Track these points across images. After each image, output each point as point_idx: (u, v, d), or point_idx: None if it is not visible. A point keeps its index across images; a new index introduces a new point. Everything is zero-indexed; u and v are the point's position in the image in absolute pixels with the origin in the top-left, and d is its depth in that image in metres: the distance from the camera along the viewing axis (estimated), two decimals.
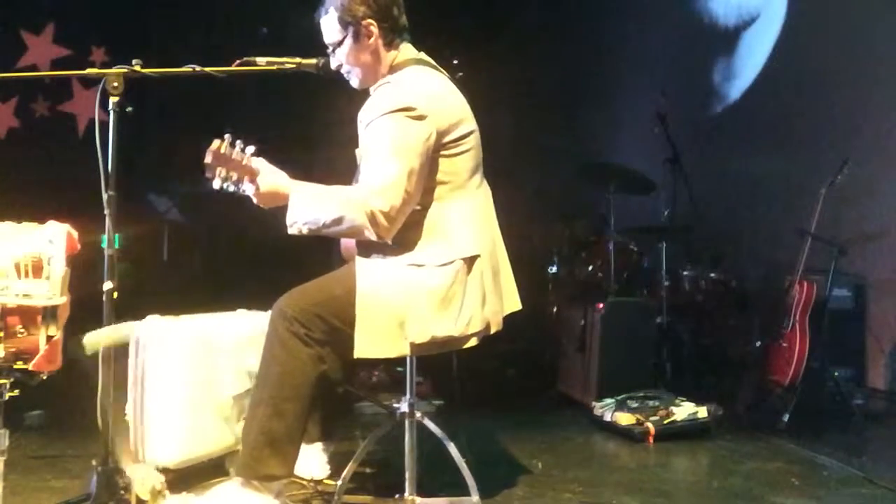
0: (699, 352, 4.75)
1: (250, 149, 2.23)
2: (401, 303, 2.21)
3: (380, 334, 2.20)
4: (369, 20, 2.30)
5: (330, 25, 2.34)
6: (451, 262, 2.24)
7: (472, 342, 2.28)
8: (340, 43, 2.33)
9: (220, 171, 2.18)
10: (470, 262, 2.27)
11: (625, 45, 6.85)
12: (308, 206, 2.21)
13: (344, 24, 2.31)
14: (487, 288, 2.30)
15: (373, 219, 2.15)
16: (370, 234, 2.19)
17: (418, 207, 2.25)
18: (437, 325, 2.21)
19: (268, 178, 2.24)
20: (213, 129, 2.22)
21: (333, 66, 2.38)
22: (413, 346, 2.21)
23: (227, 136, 2.19)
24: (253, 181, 2.23)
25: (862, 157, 4.14)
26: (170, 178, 6.06)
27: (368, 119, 2.25)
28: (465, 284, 2.25)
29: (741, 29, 5.80)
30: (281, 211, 2.26)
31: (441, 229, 2.27)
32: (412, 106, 2.20)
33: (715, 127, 5.93)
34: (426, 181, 2.25)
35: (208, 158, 2.16)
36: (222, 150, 2.17)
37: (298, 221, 2.21)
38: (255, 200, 2.28)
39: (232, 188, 2.23)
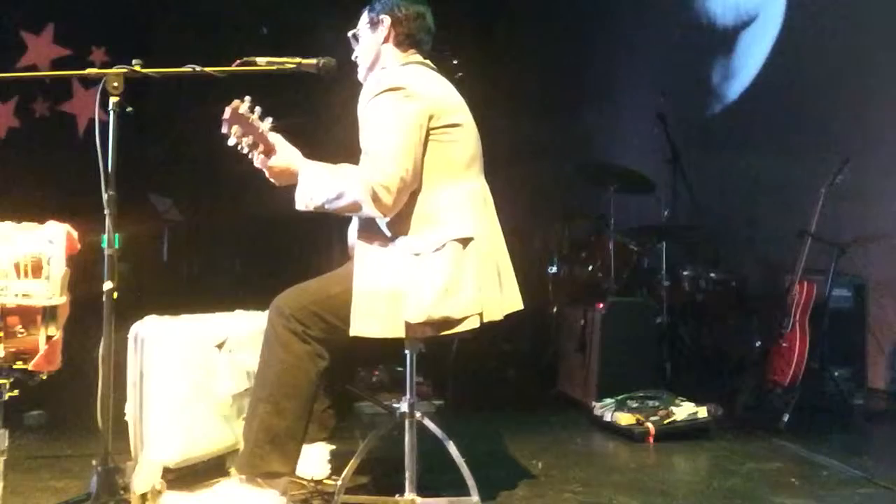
0: (699, 352, 4.75)
1: (269, 120, 2.28)
2: (398, 285, 2.22)
3: (376, 313, 2.21)
4: (386, 15, 2.43)
5: (362, 16, 2.51)
6: (444, 244, 2.25)
7: (470, 325, 2.25)
8: (360, 30, 2.49)
9: (236, 130, 2.25)
10: (464, 243, 2.27)
11: (624, 44, 6.85)
12: (313, 182, 2.28)
13: (369, 13, 2.48)
14: (483, 272, 2.30)
15: (374, 194, 2.18)
16: (370, 210, 2.21)
17: (412, 194, 2.27)
18: (433, 305, 2.20)
19: (283, 155, 2.32)
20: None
21: (353, 56, 2.52)
22: (409, 325, 2.21)
23: (247, 98, 2.25)
24: (268, 154, 2.30)
25: (862, 158, 4.14)
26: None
27: (364, 102, 2.31)
28: (461, 266, 2.25)
29: (740, 29, 5.80)
30: (287, 200, 2.31)
31: (433, 215, 2.28)
32: (402, 86, 2.26)
33: (715, 127, 5.93)
34: (421, 163, 2.28)
35: (226, 114, 2.23)
36: (240, 111, 2.23)
37: (305, 198, 2.29)
38: (266, 174, 2.35)
39: (245, 150, 2.30)
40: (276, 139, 2.32)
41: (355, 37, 2.51)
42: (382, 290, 2.22)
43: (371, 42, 2.47)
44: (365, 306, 2.21)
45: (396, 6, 2.44)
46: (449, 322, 2.24)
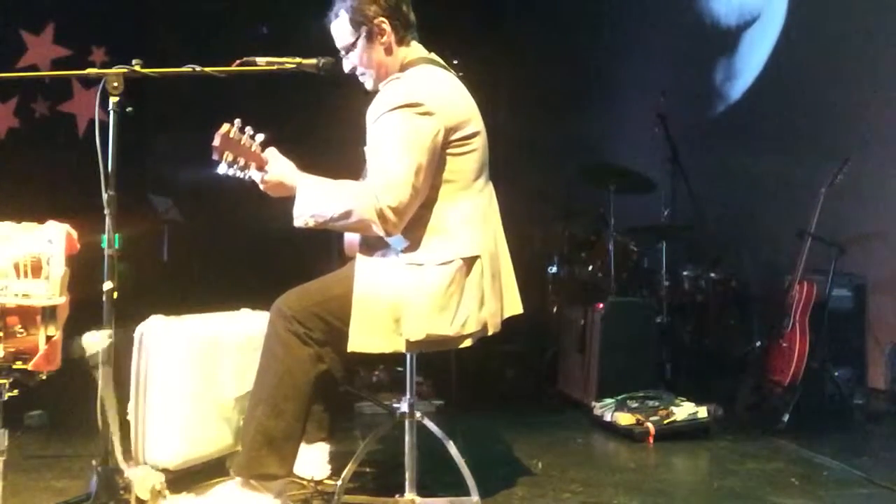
0: (699, 352, 4.75)
1: (259, 136, 2.26)
2: (398, 299, 2.21)
3: (375, 329, 2.20)
4: (381, 18, 2.30)
5: (341, 29, 2.34)
6: (451, 261, 2.23)
7: (468, 342, 2.27)
8: (354, 45, 2.33)
9: (227, 156, 2.20)
10: (470, 262, 2.26)
11: (625, 45, 6.85)
12: (316, 198, 2.23)
13: (356, 25, 2.31)
14: (486, 289, 2.30)
15: (381, 214, 2.15)
16: (378, 230, 2.19)
17: (422, 206, 2.25)
18: (432, 323, 2.20)
19: (276, 168, 2.27)
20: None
21: (347, 68, 2.38)
22: (408, 343, 2.21)
23: (237, 120, 2.21)
24: (261, 169, 2.26)
25: (862, 157, 4.14)
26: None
27: (376, 115, 2.23)
28: (464, 285, 2.24)
29: (742, 29, 5.79)
30: (288, 203, 2.27)
31: (443, 228, 2.26)
32: (420, 102, 2.19)
33: (715, 127, 5.93)
34: (432, 179, 2.25)
35: (216, 141, 2.18)
36: (231, 135, 2.19)
37: (305, 214, 2.23)
38: (261, 188, 2.30)
39: (238, 174, 2.25)
40: (270, 153, 2.28)
41: (345, 49, 2.34)
42: (382, 305, 2.20)
43: (372, 52, 2.32)
44: (364, 322, 2.20)
45: (377, 0, 2.29)
46: (447, 340, 2.24)
